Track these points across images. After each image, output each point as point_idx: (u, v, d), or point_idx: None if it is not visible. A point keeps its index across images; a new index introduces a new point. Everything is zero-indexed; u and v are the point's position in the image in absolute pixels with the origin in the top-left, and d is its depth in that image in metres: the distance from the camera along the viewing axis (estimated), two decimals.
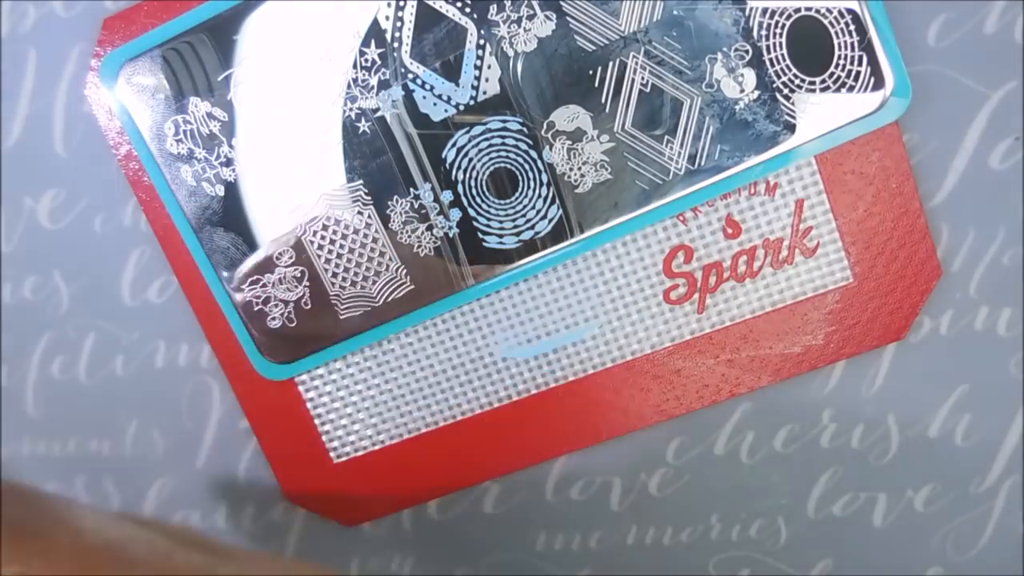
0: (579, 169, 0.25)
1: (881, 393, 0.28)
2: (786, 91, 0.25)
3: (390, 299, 0.27)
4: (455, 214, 0.26)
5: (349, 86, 0.25)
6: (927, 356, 0.27)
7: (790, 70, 0.25)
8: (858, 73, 0.24)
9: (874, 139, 0.25)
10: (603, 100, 0.25)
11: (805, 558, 0.29)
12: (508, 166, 0.25)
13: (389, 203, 0.26)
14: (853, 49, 0.24)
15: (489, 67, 0.25)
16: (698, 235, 0.26)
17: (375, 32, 0.25)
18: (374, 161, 0.26)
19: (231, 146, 0.26)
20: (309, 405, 0.28)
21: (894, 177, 0.26)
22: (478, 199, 0.26)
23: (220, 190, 0.26)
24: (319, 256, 0.26)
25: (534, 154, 0.25)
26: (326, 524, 0.29)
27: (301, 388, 0.28)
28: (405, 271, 0.26)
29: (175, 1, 0.25)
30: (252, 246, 0.27)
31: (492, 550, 0.30)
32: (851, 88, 0.24)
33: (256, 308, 0.27)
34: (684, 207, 0.26)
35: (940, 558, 0.29)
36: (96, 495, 0.30)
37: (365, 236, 0.26)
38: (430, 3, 0.25)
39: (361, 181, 0.26)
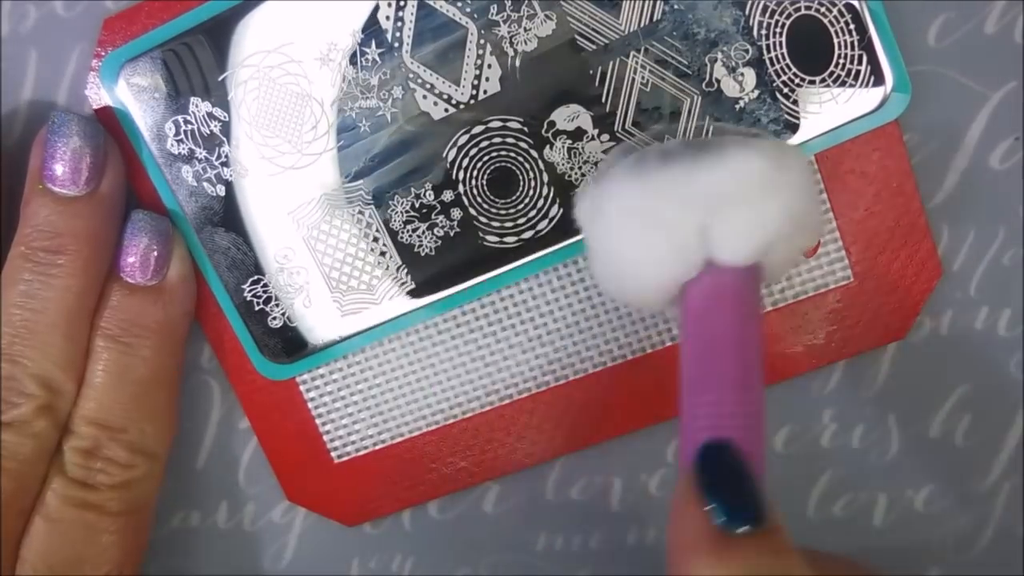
0: (580, 168, 0.25)
1: (881, 393, 0.28)
2: (786, 90, 0.25)
3: (391, 299, 0.27)
4: (456, 213, 0.26)
5: (349, 86, 0.25)
6: (927, 356, 0.27)
7: (790, 69, 0.25)
8: (858, 72, 0.24)
9: (874, 138, 0.25)
10: (603, 99, 0.25)
11: None
12: (509, 165, 0.25)
13: (390, 203, 0.26)
14: (853, 48, 0.24)
15: (489, 66, 0.25)
16: None
17: (375, 32, 0.25)
18: (374, 161, 0.26)
19: (232, 146, 0.26)
20: (310, 405, 0.28)
21: (895, 177, 0.26)
22: (479, 198, 0.26)
23: (221, 190, 0.26)
24: (319, 256, 0.26)
25: (535, 153, 0.25)
26: (326, 524, 0.29)
27: (301, 388, 0.28)
28: (406, 271, 0.26)
29: (176, 1, 0.25)
30: (252, 246, 0.27)
31: (492, 550, 0.30)
32: (851, 86, 0.25)
33: (256, 308, 0.27)
34: None
35: (940, 558, 0.29)
36: None
37: (365, 236, 0.26)
38: (430, 3, 0.25)
39: (361, 181, 0.26)
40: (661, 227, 0.21)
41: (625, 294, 0.23)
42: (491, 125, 0.25)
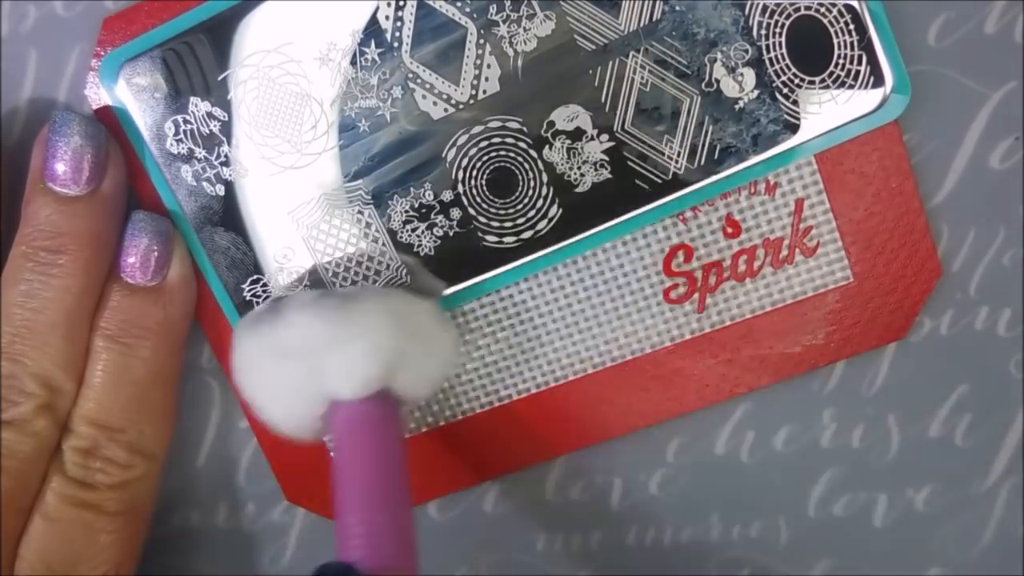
0: (579, 168, 0.25)
1: (881, 393, 0.28)
2: (786, 90, 0.25)
3: None
4: (455, 213, 0.26)
5: (349, 86, 0.25)
6: (927, 356, 0.27)
7: (790, 69, 0.25)
8: (857, 72, 0.24)
9: (874, 138, 0.25)
10: (603, 99, 0.25)
11: (805, 558, 0.29)
12: (508, 165, 0.25)
13: (389, 203, 0.26)
14: (853, 48, 0.24)
15: (489, 66, 0.25)
16: (698, 235, 0.26)
17: (375, 32, 0.25)
18: (374, 161, 0.26)
19: (231, 145, 0.26)
20: None
21: (894, 177, 0.26)
22: (478, 198, 0.26)
23: (220, 190, 0.26)
24: (319, 256, 0.26)
25: (534, 153, 0.25)
26: (326, 524, 0.29)
27: None
28: (405, 271, 0.26)
29: (176, 1, 0.25)
30: (252, 246, 0.27)
31: (492, 550, 0.30)
32: (851, 87, 0.25)
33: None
34: (684, 207, 0.26)
35: (940, 558, 0.29)
36: None
37: (365, 236, 0.26)
38: (430, 3, 0.25)
39: (361, 181, 0.26)
40: (276, 375, 0.24)
41: (277, 429, 0.25)
42: (490, 125, 0.25)
